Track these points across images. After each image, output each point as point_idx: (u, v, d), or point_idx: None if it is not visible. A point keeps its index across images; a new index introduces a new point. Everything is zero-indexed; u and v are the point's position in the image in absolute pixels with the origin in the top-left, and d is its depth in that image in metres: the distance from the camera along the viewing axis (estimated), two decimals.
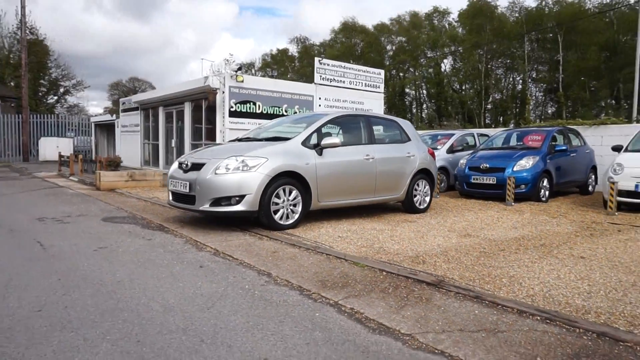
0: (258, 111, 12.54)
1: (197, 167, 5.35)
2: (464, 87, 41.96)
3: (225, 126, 11.96)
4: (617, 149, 8.18)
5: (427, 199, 7.24)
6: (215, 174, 5.12)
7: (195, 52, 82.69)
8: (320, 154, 5.73)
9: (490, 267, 3.81)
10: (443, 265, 3.86)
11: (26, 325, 2.49)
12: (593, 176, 10.12)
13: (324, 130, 6.03)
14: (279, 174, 5.27)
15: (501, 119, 38.53)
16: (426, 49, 43.77)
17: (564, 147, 8.96)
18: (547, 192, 8.56)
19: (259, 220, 5.29)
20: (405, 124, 7.37)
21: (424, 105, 48.04)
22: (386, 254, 4.22)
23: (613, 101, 31.33)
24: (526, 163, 8.38)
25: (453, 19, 40.45)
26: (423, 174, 7.15)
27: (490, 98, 38.40)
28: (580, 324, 2.54)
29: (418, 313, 2.75)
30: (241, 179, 5.07)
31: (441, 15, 40.87)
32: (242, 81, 12.08)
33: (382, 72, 16.14)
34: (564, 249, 4.57)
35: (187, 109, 13.76)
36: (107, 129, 22.29)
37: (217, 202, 5.11)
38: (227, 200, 5.10)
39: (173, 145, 14.81)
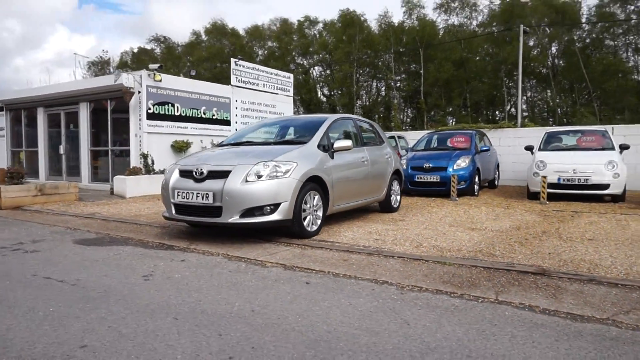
0: (177, 113, 11.53)
1: (219, 175, 4.76)
2: (333, 93, 44.35)
3: (143, 130, 10.72)
4: (529, 148, 9.73)
5: (398, 198, 7.62)
6: (247, 181, 4.64)
7: (22, 45, 70.56)
8: (332, 157, 5.62)
9: (549, 253, 4.27)
10: (515, 255, 4.19)
11: None
12: (497, 172, 11.82)
13: (330, 133, 5.91)
14: (308, 179, 5.02)
15: None
16: (296, 56, 45.03)
17: (487, 148, 10.30)
18: (477, 187, 9.73)
19: (290, 229, 4.95)
20: (378, 127, 7.64)
21: (295, 110, 49.29)
22: (452, 251, 4.38)
23: (459, 108, 36.60)
24: (462, 162, 9.40)
25: (323, 27, 42.45)
26: (396, 174, 7.51)
27: (359, 103, 41.39)
28: None
29: (576, 300, 2.98)
30: (277, 186, 4.69)
31: (312, 24, 42.56)
32: (160, 80, 10.96)
33: (292, 75, 16.24)
34: (564, 234, 5.32)
35: (84, 110, 11.90)
36: None
37: (249, 212, 4.64)
38: (260, 210, 4.67)
39: (62, 152, 12.64)
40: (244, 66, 13.74)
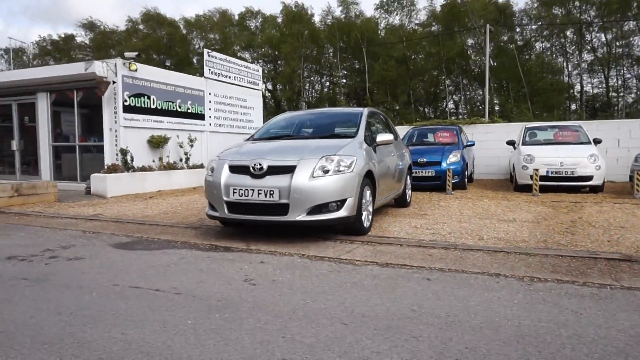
0: (153, 106, 10.78)
1: (282, 170, 4.50)
2: (277, 88, 43.89)
3: (119, 123, 9.90)
4: (511, 142, 10.30)
5: (410, 192, 7.72)
6: (313, 177, 4.44)
7: None
8: (375, 151, 5.55)
9: (608, 241, 4.53)
10: (581, 244, 4.41)
11: None
12: (473, 167, 12.39)
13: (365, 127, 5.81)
14: (365, 174, 4.92)
15: None
16: (239, 49, 43.89)
17: (472, 143, 10.74)
18: (466, 181, 10.13)
19: (351, 225, 4.81)
20: (390, 121, 7.67)
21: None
22: (519, 242, 4.50)
23: (405, 105, 37.90)
24: (453, 157, 9.73)
25: (263, 21, 41.78)
26: (409, 170, 7.60)
27: (303, 98, 41.40)
28: None
29: None
30: (343, 181, 4.54)
31: (254, 17, 41.74)
32: (136, 70, 10.18)
33: (260, 68, 15.83)
34: (593, 222, 5.66)
35: (43, 101, 10.73)
36: None
37: (316, 210, 4.45)
38: (326, 206, 4.50)
39: (15, 148, 11.32)
40: (216, 57, 13.15)
